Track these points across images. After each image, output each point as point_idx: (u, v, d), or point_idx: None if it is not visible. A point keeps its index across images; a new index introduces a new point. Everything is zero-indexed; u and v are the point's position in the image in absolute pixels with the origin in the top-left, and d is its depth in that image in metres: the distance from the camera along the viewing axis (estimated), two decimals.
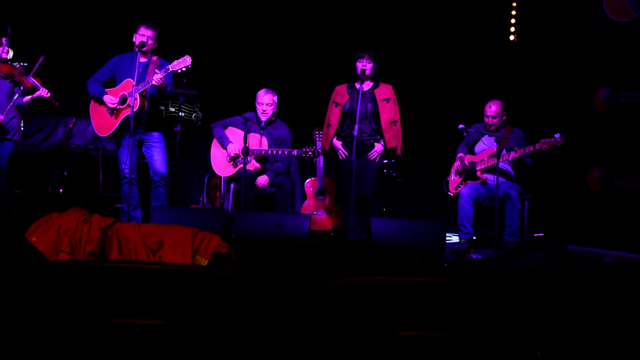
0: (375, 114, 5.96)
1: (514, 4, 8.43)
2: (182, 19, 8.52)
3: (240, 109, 6.35)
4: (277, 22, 8.65)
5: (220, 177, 6.65)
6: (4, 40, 5.80)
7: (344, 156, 6.02)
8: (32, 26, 7.86)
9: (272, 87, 6.46)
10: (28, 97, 5.94)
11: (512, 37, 8.47)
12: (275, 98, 6.37)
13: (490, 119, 6.14)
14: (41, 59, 5.85)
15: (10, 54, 5.93)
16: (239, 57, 8.67)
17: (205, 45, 8.46)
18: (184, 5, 8.55)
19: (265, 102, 6.30)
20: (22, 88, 5.92)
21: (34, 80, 5.90)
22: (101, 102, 5.90)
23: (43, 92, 5.90)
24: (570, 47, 7.29)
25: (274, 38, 8.69)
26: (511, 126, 6.23)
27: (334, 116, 6.08)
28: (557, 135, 5.72)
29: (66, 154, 7.13)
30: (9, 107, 5.83)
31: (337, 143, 6.07)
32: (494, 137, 5.98)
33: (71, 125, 7.25)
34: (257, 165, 6.26)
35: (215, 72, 8.41)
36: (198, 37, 8.49)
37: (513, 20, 8.46)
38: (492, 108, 6.15)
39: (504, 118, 6.19)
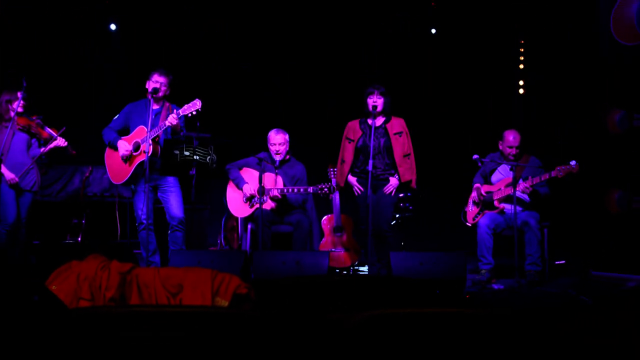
0: (389, 149, 5.97)
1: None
2: (195, 54, 8.67)
3: (254, 150, 6.39)
4: (290, 57, 8.76)
5: (237, 219, 6.66)
6: (19, 94, 5.90)
7: (359, 192, 6.02)
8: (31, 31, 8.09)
9: (282, 126, 6.50)
10: (45, 148, 6.01)
11: (521, 66, 8.52)
12: (287, 137, 6.39)
13: (514, 149, 6.13)
14: (63, 128, 5.98)
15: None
16: (250, 95, 8.78)
17: (217, 84, 8.58)
18: (195, 43, 8.69)
19: (278, 142, 6.33)
20: (40, 140, 6.02)
21: (51, 131, 5.98)
22: (116, 149, 5.96)
23: (60, 142, 5.99)
24: (579, 71, 7.31)
25: (286, 75, 8.79)
26: (527, 154, 6.22)
27: (347, 152, 6.09)
28: (572, 162, 5.69)
29: (83, 203, 7.18)
30: (25, 160, 5.93)
31: (352, 179, 6.07)
32: (509, 166, 5.96)
33: (87, 174, 7.33)
34: (273, 204, 6.27)
35: (227, 112, 8.50)
36: (209, 76, 8.63)
37: (522, 50, 8.53)
38: (517, 138, 6.14)
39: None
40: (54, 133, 5.98)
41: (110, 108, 6.51)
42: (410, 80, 8.67)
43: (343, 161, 6.13)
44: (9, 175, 5.84)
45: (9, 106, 5.95)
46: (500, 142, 6.26)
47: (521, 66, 8.52)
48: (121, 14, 8.64)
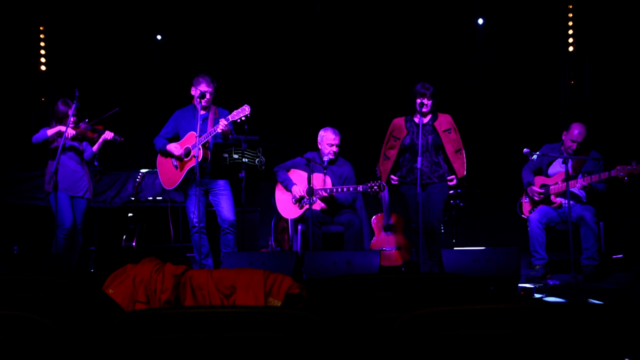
0: (436, 146, 5.90)
1: (570, 23, 8.30)
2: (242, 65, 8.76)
3: (299, 151, 6.43)
4: (333, 58, 8.76)
5: (287, 220, 6.69)
6: (70, 111, 6.06)
7: (396, 181, 6.00)
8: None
9: (331, 125, 6.52)
10: (96, 146, 6.17)
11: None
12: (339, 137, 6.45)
13: (575, 144, 5.97)
14: (116, 109, 6.10)
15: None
16: (294, 96, 8.82)
17: (266, 87, 8.65)
18: (243, 50, 8.79)
19: (336, 142, 6.38)
20: (92, 141, 6.15)
21: (97, 129, 6.13)
22: (167, 154, 6.06)
23: (107, 135, 6.13)
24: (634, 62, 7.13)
25: (330, 76, 8.80)
26: (587, 150, 6.05)
27: (392, 150, 6.06)
28: (634, 162, 5.53)
29: (137, 208, 7.32)
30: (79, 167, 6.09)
31: (393, 178, 6.05)
32: (569, 159, 5.78)
33: (140, 180, 7.45)
34: (323, 205, 6.28)
35: (273, 115, 8.55)
36: (257, 80, 8.70)
37: (571, 40, 8.34)
38: (582, 134, 5.98)
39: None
40: (100, 129, 6.13)
41: (159, 114, 6.63)
42: (456, 73, 8.57)
43: (387, 158, 6.10)
44: (70, 131, 5.97)
45: (66, 121, 6.12)
46: (565, 132, 6.10)
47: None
48: (166, 24, 8.80)
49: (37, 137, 6.10)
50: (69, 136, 5.97)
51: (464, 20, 8.61)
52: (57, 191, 5.91)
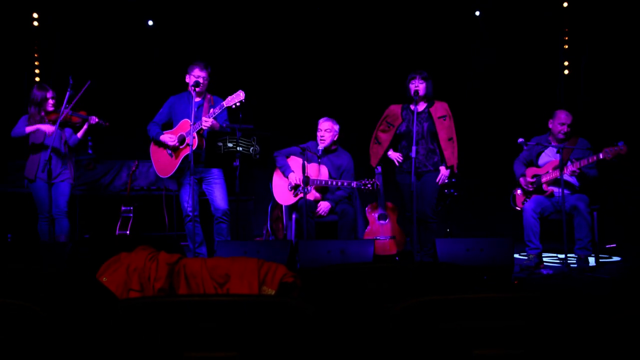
0: (432, 134, 5.92)
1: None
2: (236, 52, 8.71)
3: (298, 140, 6.42)
4: (331, 47, 8.71)
5: (282, 208, 6.70)
6: (49, 94, 6.03)
7: (400, 159, 6.02)
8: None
9: (329, 115, 6.50)
10: (81, 132, 6.13)
11: (565, 46, 8.33)
12: (335, 126, 6.40)
13: (565, 126, 6.01)
14: (88, 82, 6.01)
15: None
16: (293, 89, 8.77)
17: (261, 76, 8.60)
18: (238, 39, 8.73)
19: (324, 127, 6.35)
20: (74, 126, 6.12)
21: (81, 114, 6.08)
22: (160, 144, 6.04)
23: (91, 120, 6.09)
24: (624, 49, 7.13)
25: (329, 65, 8.75)
26: (576, 136, 6.08)
27: (385, 135, 6.06)
28: (620, 143, 5.55)
29: (131, 196, 7.31)
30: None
31: (394, 155, 6.06)
32: (557, 148, 5.84)
33: (134, 168, 7.44)
34: (317, 195, 6.28)
35: (271, 104, 8.51)
36: (252, 69, 8.64)
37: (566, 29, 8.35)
38: (569, 117, 6.05)
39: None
40: (83, 115, 6.09)
41: (153, 102, 6.60)
42: (452, 64, 8.55)
43: (378, 143, 6.11)
44: (50, 129, 5.96)
45: (45, 105, 6.09)
46: (551, 120, 6.13)
47: (566, 46, 8.33)
48: (159, 9, 8.73)
49: (15, 132, 6.09)
50: (50, 134, 5.93)
51: (463, 19, 8.57)
52: (36, 179, 5.94)
